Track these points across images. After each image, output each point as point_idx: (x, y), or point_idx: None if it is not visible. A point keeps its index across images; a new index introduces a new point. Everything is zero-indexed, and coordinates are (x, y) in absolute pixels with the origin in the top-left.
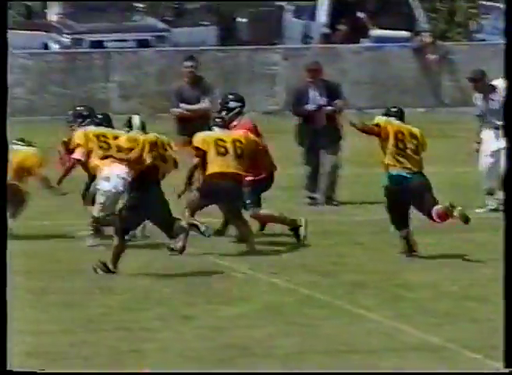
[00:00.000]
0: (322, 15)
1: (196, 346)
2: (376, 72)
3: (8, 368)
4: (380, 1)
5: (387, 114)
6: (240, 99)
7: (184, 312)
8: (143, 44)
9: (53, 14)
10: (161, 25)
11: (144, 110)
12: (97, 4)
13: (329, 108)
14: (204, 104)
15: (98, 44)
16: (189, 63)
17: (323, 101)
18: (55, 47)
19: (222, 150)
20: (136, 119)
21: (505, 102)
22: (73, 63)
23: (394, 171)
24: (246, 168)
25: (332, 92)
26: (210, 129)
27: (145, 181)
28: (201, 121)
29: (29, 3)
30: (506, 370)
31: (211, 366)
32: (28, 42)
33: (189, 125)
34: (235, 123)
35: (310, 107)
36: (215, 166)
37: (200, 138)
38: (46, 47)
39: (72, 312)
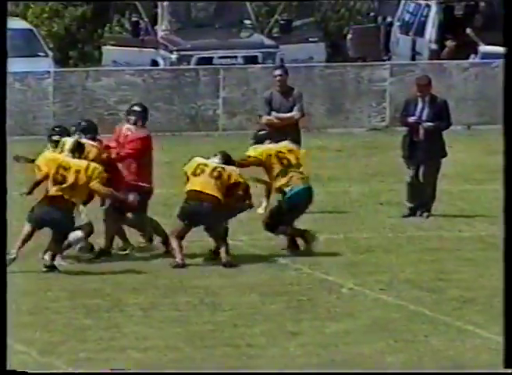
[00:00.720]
0: (430, 31)
1: (302, 362)
2: (483, 88)
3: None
4: (488, 18)
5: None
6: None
7: (290, 328)
8: (251, 60)
9: (161, 31)
10: (268, 41)
11: (251, 127)
12: (204, 21)
13: (429, 124)
14: (295, 113)
15: (206, 61)
16: (278, 72)
17: (424, 116)
18: (162, 63)
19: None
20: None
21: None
22: (180, 80)
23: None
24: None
25: (437, 109)
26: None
27: None
28: (290, 130)
29: (135, 19)
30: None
31: None
32: (136, 59)
33: (278, 133)
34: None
35: (410, 119)
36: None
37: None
38: (155, 64)
39: (179, 329)
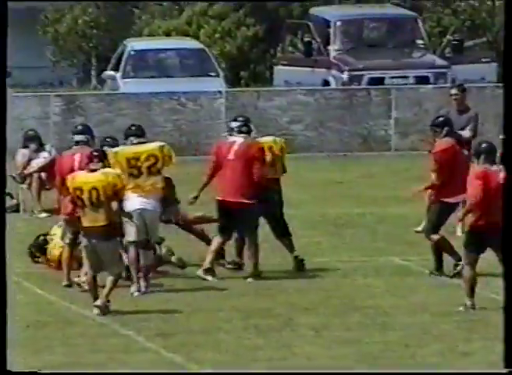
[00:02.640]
0: None
1: None
2: None
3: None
4: None
5: None
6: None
7: (463, 348)
8: (423, 80)
9: (333, 51)
10: (440, 61)
11: (423, 147)
12: (376, 40)
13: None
14: (467, 132)
15: (378, 81)
16: (454, 91)
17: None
18: (333, 83)
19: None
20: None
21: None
22: (352, 100)
23: None
24: None
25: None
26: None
27: None
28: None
29: (308, 39)
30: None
31: None
32: (308, 79)
33: None
34: None
35: None
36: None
37: None
38: (327, 83)
39: (350, 349)
